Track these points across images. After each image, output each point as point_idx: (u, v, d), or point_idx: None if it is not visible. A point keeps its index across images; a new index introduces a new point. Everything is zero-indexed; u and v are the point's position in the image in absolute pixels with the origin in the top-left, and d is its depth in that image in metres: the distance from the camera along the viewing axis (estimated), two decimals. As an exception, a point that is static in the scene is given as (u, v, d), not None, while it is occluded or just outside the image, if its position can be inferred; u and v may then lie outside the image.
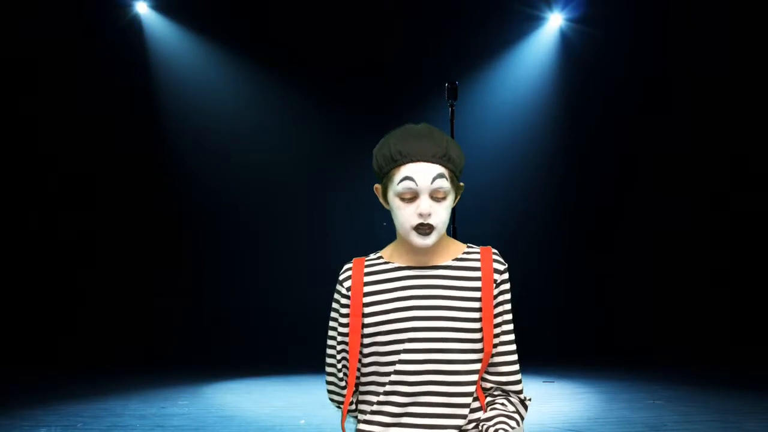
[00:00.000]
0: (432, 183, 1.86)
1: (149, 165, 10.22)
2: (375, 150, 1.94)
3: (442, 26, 10.04)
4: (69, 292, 9.97)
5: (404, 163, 1.87)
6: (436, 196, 1.87)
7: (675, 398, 6.32)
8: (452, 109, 5.74)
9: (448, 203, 1.90)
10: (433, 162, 1.87)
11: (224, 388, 7.37)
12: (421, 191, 1.86)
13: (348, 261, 2.02)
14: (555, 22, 10.22)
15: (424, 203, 1.86)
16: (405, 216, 1.88)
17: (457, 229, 5.42)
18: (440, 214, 1.88)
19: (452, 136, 5.71)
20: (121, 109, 10.00)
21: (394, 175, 1.88)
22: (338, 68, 10.06)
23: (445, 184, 1.87)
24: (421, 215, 1.86)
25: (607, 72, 9.94)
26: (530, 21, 10.21)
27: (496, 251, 1.97)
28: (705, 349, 9.06)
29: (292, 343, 9.45)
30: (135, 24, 10.06)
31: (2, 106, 9.71)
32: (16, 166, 9.93)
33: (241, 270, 10.25)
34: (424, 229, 1.87)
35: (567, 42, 10.25)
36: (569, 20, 10.16)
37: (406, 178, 1.85)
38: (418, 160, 1.86)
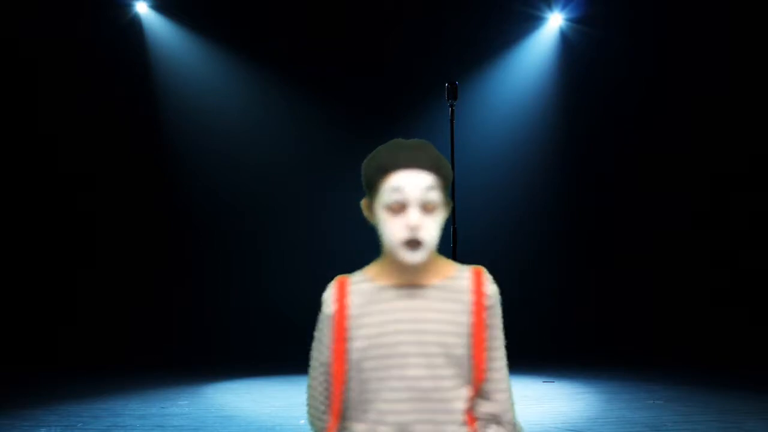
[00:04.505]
0: (421, 193, 1.78)
1: (149, 165, 10.22)
2: (364, 163, 1.86)
3: (442, 26, 10.04)
4: (69, 292, 9.97)
5: (393, 172, 1.80)
6: (425, 208, 1.79)
7: (675, 398, 6.32)
8: (452, 109, 5.74)
9: (438, 218, 1.81)
10: (423, 172, 1.80)
11: (224, 388, 7.37)
12: (410, 202, 1.78)
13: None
14: (555, 22, 10.22)
15: (413, 215, 1.77)
16: (393, 229, 1.79)
17: (458, 230, 5.42)
18: (430, 229, 1.79)
19: (452, 136, 5.71)
20: (121, 108, 10.00)
21: (382, 185, 1.80)
22: (338, 68, 10.06)
23: (435, 195, 1.79)
24: (409, 227, 1.78)
25: (607, 72, 9.94)
26: (530, 21, 10.21)
27: (487, 273, 1.88)
28: (705, 349, 9.06)
29: (292, 343, 9.41)
30: (135, 24, 10.06)
31: (2, 106, 9.71)
32: (16, 166, 9.92)
33: (241, 270, 10.25)
34: (413, 244, 1.78)
35: (567, 42, 10.25)
36: (569, 20, 10.16)
37: (395, 187, 1.78)
38: (408, 170, 1.79)
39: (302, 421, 5.31)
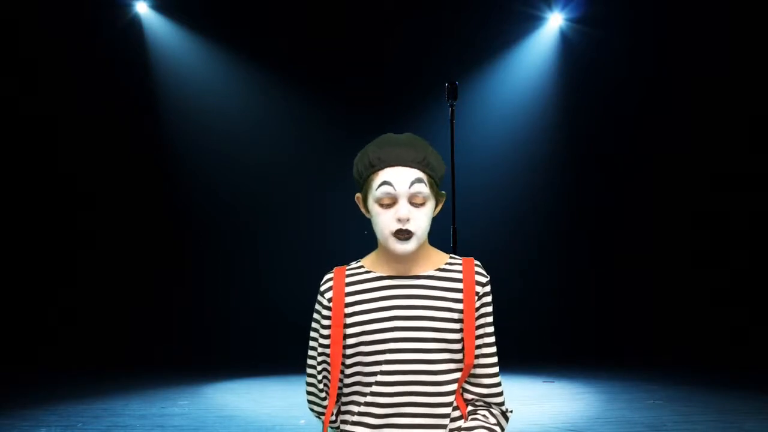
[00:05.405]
0: (410, 187, 1.85)
1: (149, 165, 10.22)
2: (355, 159, 1.94)
3: (442, 26, 10.04)
4: (69, 292, 9.97)
5: (382, 168, 1.86)
6: (414, 202, 1.86)
7: (675, 398, 6.32)
8: (452, 109, 5.74)
9: (428, 210, 1.88)
10: (411, 167, 1.86)
11: (224, 388, 7.37)
12: (399, 196, 1.85)
13: (338, 264, 2.01)
14: (555, 22, 10.22)
15: (403, 208, 1.85)
16: (384, 222, 1.87)
17: (458, 230, 5.42)
18: (419, 220, 1.86)
19: (452, 136, 5.70)
20: (121, 109, 10.00)
21: (372, 180, 1.88)
22: (338, 68, 10.06)
23: (423, 189, 1.86)
24: (399, 220, 1.85)
25: (607, 72, 9.94)
26: (530, 21, 10.21)
27: (478, 263, 1.96)
28: (705, 349, 9.07)
29: (292, 343, 9.40)
30: (135, 24, 10.06)
31: (2, 106, 9.71)
32: (16, 166, 9.92)
33: (241, 270, 10.25)
34: (403, 234, 1.85)
35: (567, 42, 10.25)
36: (569, 20, 10.16)
37: (384, 182, 1.85)
38: (396, 165, 1.86)
39: (302, 421, 5.31)
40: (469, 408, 1.94)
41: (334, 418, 1.97)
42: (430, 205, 1.90)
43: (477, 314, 1.92)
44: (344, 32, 9.93)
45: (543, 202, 10.28)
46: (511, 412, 1.98)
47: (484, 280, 1.94)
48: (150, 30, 10.16)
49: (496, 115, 10.27)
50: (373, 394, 1.88)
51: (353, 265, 2.00)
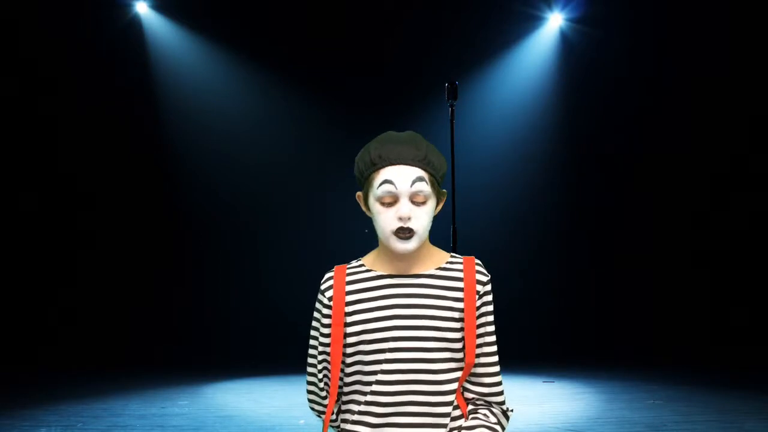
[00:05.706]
0: (411, 186, 1.85)
1: (149, 165, 10.22)
2: (357, 157, 1.93)
3: (442, 26, 10.05)
4: (69, 292, 9.97)
5: (383, 166, 1.86)
6: (416, 200, 1.86)
7: (675, 398, 6.32)
8: (452, 109, 5.74)
9: (429, 208, 1.88)
10: (412, 165, 1.86)
11: (224, 388, 7.37)
12: (400, 194, 1.85)
13: (338, 264, 2.00)
14: (555, 22, 10.23)
15: (404, 207, 1.85)
16: (385, 220, 1.86)
17: (458, 229, 5.42)
18: (421, 219, 1.86)
19: (452, 136, 5.70)
20: (120, 109, 10.00)
21: (374, 179, 1.87)
22: (338, 68, 10.06)
23: (425, 187, 1.86)
24: (401, 219, 1.85)
25: (607, 72, 9.94)
26: (530, 21, 10.22)
27: (479, 262, 1.96)
28: (705, 349, 9.07)
29: (292, 343, 9.41)
30: (135, 24, 10.07)
31: (2, 106, 9.71)
32: (15, 166, 9.92)
33: (241, 270, 10.26)
34: (404, 233, 1.85)
35: (567, 42, 10.25)
36: (569, 20, 10.17)
37: (386, 181, 1.85)
38: (398, 164, 1.86)
39: (302, 421, 5.31)
40: (470, 407, 1.94)
41: (334, 417, 1.96)
42: (432, 203, 1.89)
43: (478, 313, 1.91)
44: (344, 32, 9.93)
45: (543, 202, 10.28)
46: (512, 411, 1.98)
47: (485, 279, 1.94)
48: (150, 30, 10.16)
49: (496, 115, 10.27)
50: (373, 393, 1.88)
51: (354, 263, 1.99)
